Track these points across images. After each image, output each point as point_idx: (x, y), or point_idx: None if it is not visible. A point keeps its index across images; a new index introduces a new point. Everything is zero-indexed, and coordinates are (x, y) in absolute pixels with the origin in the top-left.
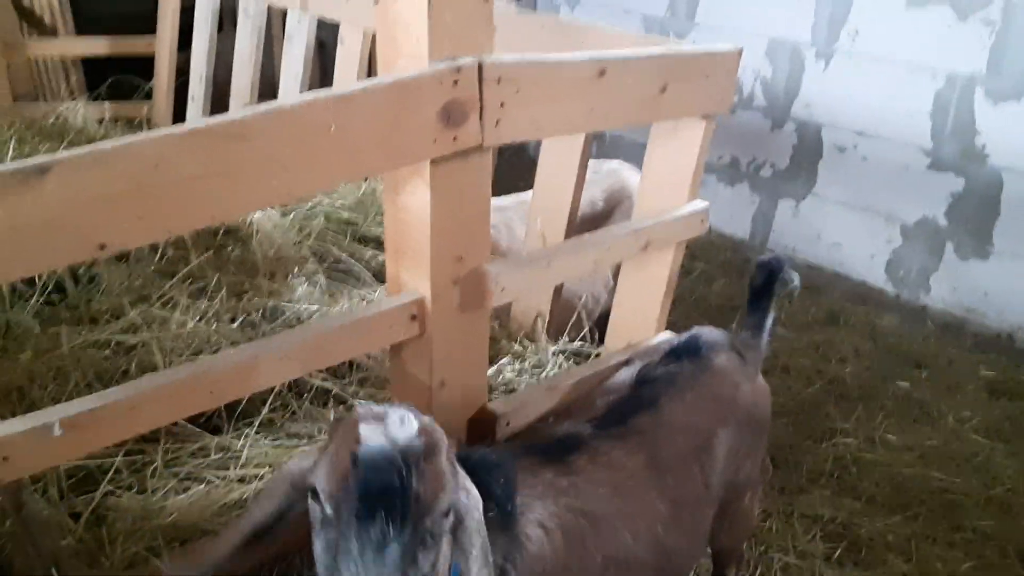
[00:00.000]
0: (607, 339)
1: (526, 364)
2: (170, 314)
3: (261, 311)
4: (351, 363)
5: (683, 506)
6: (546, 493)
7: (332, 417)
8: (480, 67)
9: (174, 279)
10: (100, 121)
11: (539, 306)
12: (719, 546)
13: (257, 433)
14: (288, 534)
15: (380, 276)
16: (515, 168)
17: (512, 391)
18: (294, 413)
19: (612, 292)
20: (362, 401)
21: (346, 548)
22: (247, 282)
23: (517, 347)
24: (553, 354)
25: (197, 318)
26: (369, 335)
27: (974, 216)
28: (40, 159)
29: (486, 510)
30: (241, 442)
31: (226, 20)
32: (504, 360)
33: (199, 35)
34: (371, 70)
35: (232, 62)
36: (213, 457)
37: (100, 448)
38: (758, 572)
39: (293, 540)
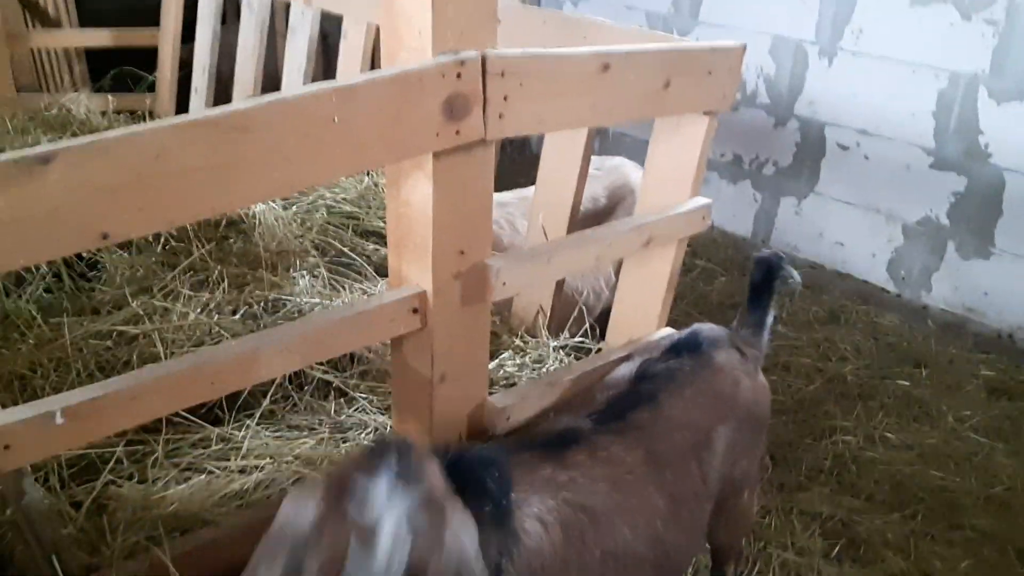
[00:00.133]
0: (608, 335)
1: (527, 359)
2: (172, 305)
3: (263, 303)
4: (352, 356)
5: (681, 502)
6: (545, 488)
7: (331, 410)
8: (484, 60)
9: (176, 270)
10: (103, 113)
11: (540, 301)
12: (717, 542)
13: (258, 424)
14: None
15: (381, 270)
16: (517, 164)
17: (513, 386)
18: (295, 405)
19: (613, 288)
20: (363, 394)
21: None
22: (249, 274)
23: (518, 342)
24: (554, 349)
25: (199, 310)
26: (370, 328)
27: (976, 216)
28: (43, 148)
29: (482, 506)
30: (242, 433)
31: (229, 13)
32: (505, 355)
33: (203, 28)
34: (374, 64)
35: (235, 55)
36: (214, 448)
37: (101, 437)
38: (756, 568)
39: None
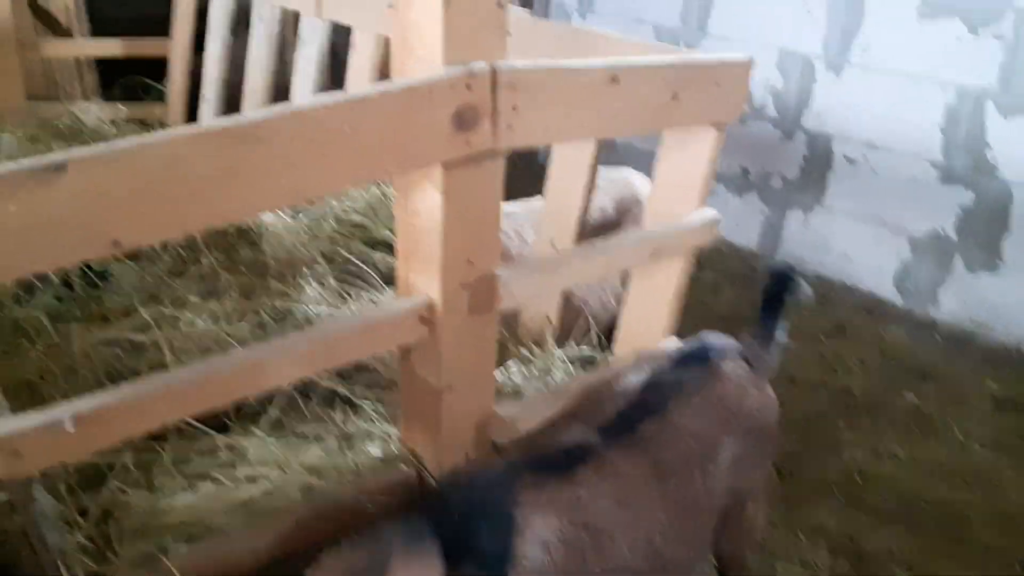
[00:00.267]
0: (615, 346)
1: (533, 369)
2: (180, 313)
3: (271, 312)
4: (359, 364)
5: (684, 513)
6: (550, 508)
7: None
8: (494, 72)
9: (185, 279)
10: (113, 122)
11: (547, 311)
12: (723, 555)
13: (265, 433)
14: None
15: (389, 279)
16: (524, 174)
17: (519, 396)
18: (302, 413)
19: (620, 299)
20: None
21: None
22: (257, 283)
23: (524, 352)
24: (560, 360)
25: (207, 318)
26: (378, 336)
27: (983, 230)
28: (57, 156)
29: (473, 566)
30: (249, 441)
31: (240, 24)
32: (511, 364)
33: (213, 38)
34: (383, 75)
35: (245, 65)
36: (221, 456)
37: (110, 445)
38: None
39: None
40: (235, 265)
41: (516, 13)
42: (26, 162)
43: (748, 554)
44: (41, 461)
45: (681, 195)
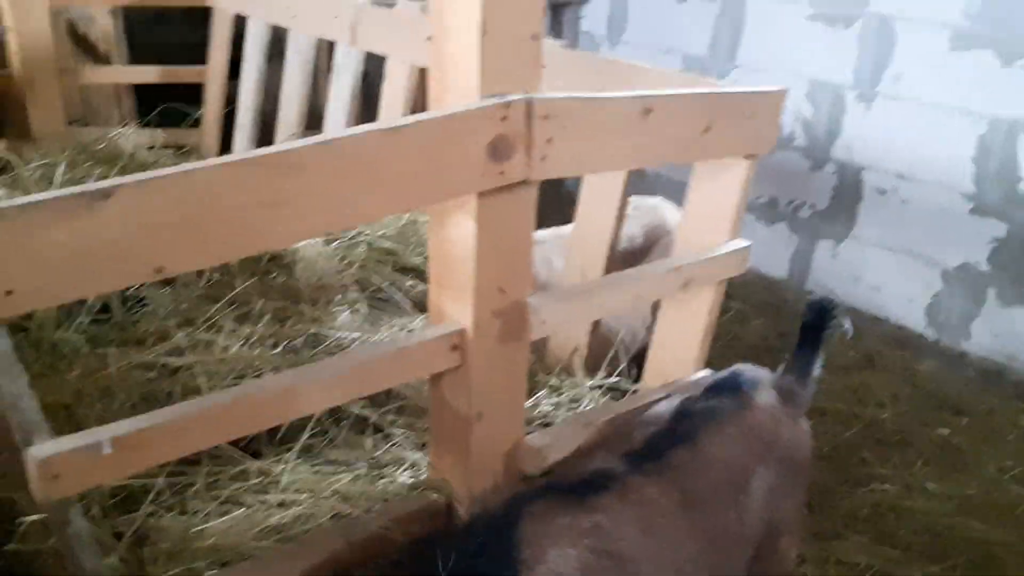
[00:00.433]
0: (645, 376)
1: (563, 398)
2: (215, 338)
3: (303, 337)
4: (389, 391)
5: (715, 544)
6: (564, 536)
7: (368, 445)
8: (529, 104)
9: (219, 304)
10: (150, 147)
11: (576, 340)
12: None
13: (297, 459)
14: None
15: (420, 305)
16: (552, 202)
17: (548, 425)
18: (332, 440)
19: (650, 328)
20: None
21: None
22: (290, 308)
23: (554, 381)
24: (590, 389)
25: (241, 342)
26: (410, 364)
27: (1017, 262)
28: (104, 183)
29: None
30: (281, 467)
31: (274, 51)
32: (541, 393)
33: (248, 66)
34: (416, 104)
35: (279, 92)
36: (253, 481)
37: (146, 468)
38: None
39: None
40: (268, 290)
41: (550, 44)
42: (75, 188)
43: None
44: (79, 483)
45: (713, 225)
